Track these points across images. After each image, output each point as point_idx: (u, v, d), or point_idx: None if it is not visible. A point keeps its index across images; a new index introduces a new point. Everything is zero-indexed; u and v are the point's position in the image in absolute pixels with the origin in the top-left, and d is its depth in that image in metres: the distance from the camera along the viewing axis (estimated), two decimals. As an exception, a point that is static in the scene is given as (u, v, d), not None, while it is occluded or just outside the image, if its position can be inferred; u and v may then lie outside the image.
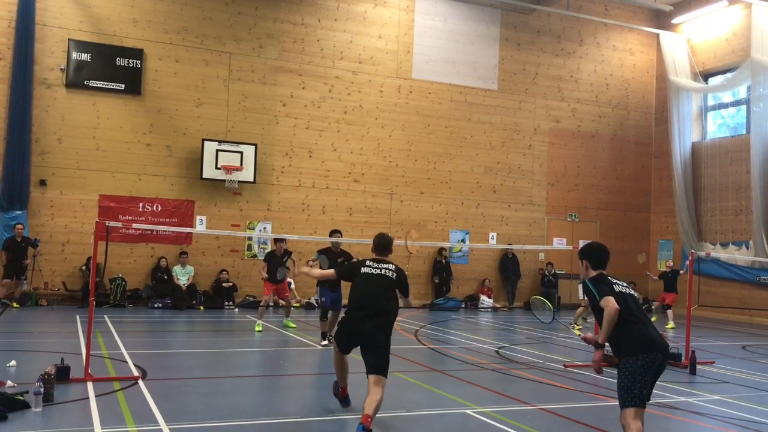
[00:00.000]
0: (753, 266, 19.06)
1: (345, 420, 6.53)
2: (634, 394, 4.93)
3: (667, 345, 5.14)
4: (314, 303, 18.10)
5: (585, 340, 5.47)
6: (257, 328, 12.83)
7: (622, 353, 5.06)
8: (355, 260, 7.39)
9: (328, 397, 7.43)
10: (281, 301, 14.08)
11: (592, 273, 5.34)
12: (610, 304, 4.95)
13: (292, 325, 13.71)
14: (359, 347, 6.33)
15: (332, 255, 11.37)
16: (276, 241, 13.94)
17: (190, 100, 17.85)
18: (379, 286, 6.46)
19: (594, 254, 5.44)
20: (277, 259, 13.53)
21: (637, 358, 4.96)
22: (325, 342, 11.30)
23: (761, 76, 18.95)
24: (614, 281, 5.23)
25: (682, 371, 9.96)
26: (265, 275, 13.45)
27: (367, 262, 6.81)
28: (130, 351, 9.79)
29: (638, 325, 5.04)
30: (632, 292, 5.29)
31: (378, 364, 6.11)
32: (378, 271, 6.58)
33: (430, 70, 20.27)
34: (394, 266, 6.76)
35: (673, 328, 16.02)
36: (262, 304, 13.73)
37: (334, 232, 12.16)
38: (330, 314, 11.49)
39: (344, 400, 6.90)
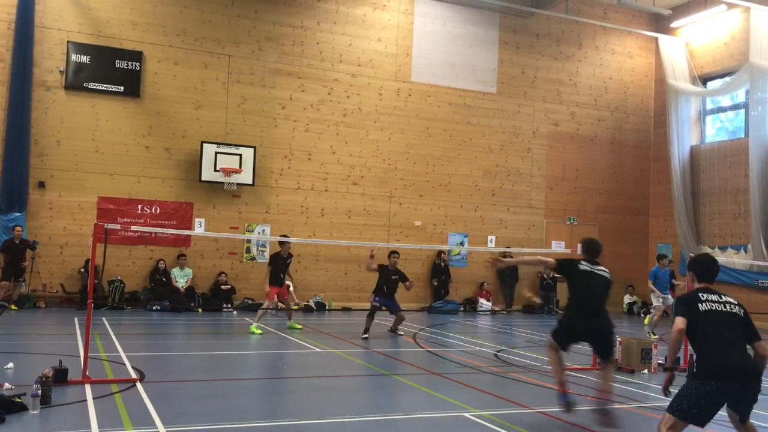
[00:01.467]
0: (751, 270, 19.05)
1: (344, 423, 6.52)
2: (682, 408, 4.90)
3: (752, 369, 4.81)
4: (312, 306, 18.10)
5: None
6: (257, 331, 12.76)
7: (695, 373, 4.99)
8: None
9: (327, 399, 7.43)
10: (280, 304, 14.03)
11: (696, 285, 5.29)
12: (675, 326, 5.02)
13: (298, 326, 13.71)
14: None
15: (387, 272, 13.32)
16: (281, 243, 13.89)
17: (189, 103, 17.86)
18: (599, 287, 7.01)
19: (698, 266, 5.41)
20: (282, 261, 13.51)
21: (701, 383, 4.85)
22: (366, 336, 12.57)
23: (759, 80, 18.98)
24: (707, 297, 5.06)
25: (680, 375, 9.94)
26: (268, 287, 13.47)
27: (582, 263, 7.16)
28: (128, 353, 9.77)
29: (706, 348, 4.91)
30: (731, 310, 5.05)
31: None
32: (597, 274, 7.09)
33: (429, 73, 20.29)
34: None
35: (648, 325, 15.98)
36: (265, 307, 13.70)
37: (393, 254, 13.57)
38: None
39: (566, 397, 6.76)
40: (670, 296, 14.86)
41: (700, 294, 5.10)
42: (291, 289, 17.93)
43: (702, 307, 4.99)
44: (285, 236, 15.29)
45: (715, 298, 5.07)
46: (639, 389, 8.77)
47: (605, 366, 7.08)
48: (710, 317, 4.95)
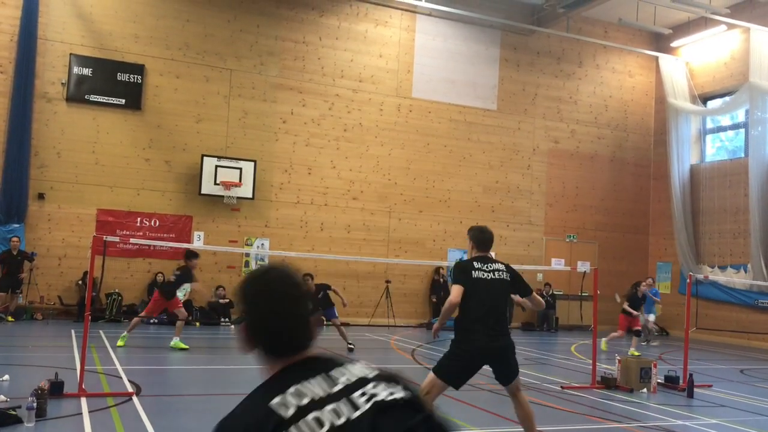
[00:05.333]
0: (751, 290, 19.01)
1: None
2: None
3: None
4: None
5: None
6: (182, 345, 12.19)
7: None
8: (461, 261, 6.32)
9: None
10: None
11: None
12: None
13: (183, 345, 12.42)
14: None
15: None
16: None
17: (190, 116, 17.89)
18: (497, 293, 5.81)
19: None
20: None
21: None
22: None
23: (759, 100, 19.04)
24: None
25: (679, 394, 9.91)
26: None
27: (476, 264, 5.90)
28: (124, 367, 9.72)
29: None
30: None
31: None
32: (491, 275, 5.82)
33: (430, 89, 20.35)
34: (504, 265, 5.99)
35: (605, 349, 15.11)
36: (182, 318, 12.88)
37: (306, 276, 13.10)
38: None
39: None
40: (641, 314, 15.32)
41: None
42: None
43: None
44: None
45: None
46: (638, 408, 8.72)
47: (515, 391, 5.96)
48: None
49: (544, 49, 21.80)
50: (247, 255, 18.25)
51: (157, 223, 17.46)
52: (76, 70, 16.88)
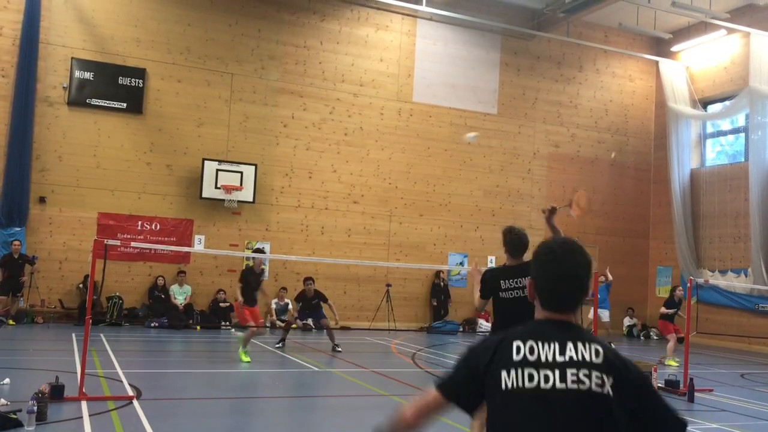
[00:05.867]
0: (752, 294, 19.01)
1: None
2: None
3: None
4: (311, 325, 18.00)
5: None
6: (245, 358, 11.48)
7: None
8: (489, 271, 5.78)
9: (324, 419, 7.39)
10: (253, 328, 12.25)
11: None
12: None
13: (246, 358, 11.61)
14: None
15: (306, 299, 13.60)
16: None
17: (191, 120, 17.92)
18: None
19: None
20: (255, 277, 12.06)
21: None
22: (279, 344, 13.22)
23: (759, 105, 19.06)
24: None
25: (680, 398, 9.90)
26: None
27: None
28: (125, 370, 9.73)
29: None
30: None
31: None
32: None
33: (431, 93, 20.38)
34: None
35: None
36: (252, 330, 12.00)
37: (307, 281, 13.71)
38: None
39: None
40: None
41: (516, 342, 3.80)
42: (290, 306, 17.93)
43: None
44: (260, 250, 13.57)
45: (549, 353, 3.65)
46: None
47: None
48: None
49: (544, 53, 21.84)
50: (248, 259, 18.24)
51: (158, 227, 17.48)
52: (77, 74, 16.91)
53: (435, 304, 19.72)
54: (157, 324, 16.33)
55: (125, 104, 17.29)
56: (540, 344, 2.10)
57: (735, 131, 21.25)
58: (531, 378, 2.03)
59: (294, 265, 18.31)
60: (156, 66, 17.66)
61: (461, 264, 20.33)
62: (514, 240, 5.56)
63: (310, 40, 19.15)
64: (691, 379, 10.06)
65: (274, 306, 17.71)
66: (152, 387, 8.79)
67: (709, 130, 21.98)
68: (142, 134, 17.50)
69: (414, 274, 19.68)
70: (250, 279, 11.91)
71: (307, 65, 19.10)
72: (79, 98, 16.91)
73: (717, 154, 21.91)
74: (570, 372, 2.02)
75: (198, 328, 16.77)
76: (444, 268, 19.79)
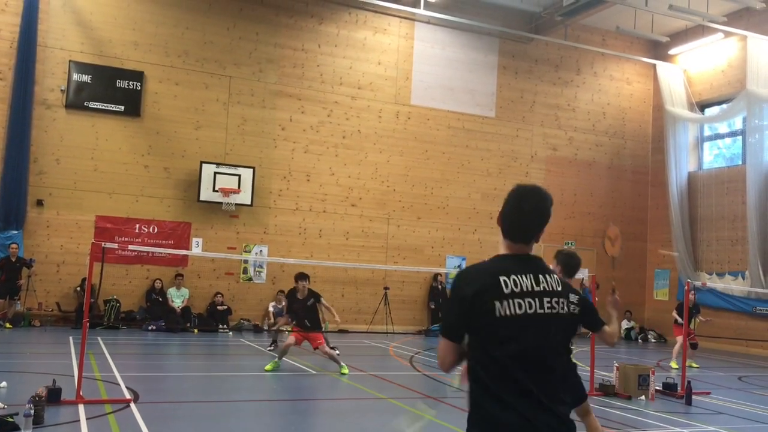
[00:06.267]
0: (749, 297, 19.03)
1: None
2: None
3: None
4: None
5: None
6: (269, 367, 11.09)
7: None
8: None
9: (321, 422, 7.38)
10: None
11: None
12: None
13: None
14: None
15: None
16: (297, 279, 11.40)
17: (189, 123, 17.92)
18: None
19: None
20: (301, 304, 11.20)
21: None
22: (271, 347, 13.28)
23: (756, 108, 19.10)
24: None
25: (677, 402, 9.91)
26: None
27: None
28: (122, 373, 9.71)
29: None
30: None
31: None
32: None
33: (429, 96, 20.40)
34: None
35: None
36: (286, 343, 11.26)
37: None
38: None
39: None
40: None
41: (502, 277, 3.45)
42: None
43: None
44: (304, 274, 11.52)
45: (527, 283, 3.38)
46: (637, 416, 8.72)
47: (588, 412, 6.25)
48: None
49: (542, 56, 21.87)
50: (246, 262, 18.24)
51: (156, 230, 17.46)
52: (75, 76, 16.91)
53: (433, 307, 19.72)
54: (154, 327, 16.31)
55: (123, 107, 17.29)
56: (520, 278, 2.68)
57: (732, 134, 21.29)
58: (520, 306, 2.64)
59: (292, 268, 18.20)
60: (154, 69, 17.66)
61: (459, 267, 20.32)
62: (576, 264, 5.98)
63: (308, 43, 19.17)
64: (689, 382, 10.07)
65: (272, 309, 17.70)
66: (150, 390, 8.77)
67: (707, 133, 22.02)
68: (139, 137, 17.49)
69: (412, 277, 19.68)
70: (294, 306, 11.28)
71: (305, 68, 19.11)
72: (76, 101, 16.90)
73: (714, 157, 21.95)
74: (545, 300, 2.69)
75: (195, 331, 16.74)
76: (442, 271, 19.78)
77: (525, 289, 2.66)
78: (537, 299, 2.68)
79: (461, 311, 2.64)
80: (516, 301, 2.63)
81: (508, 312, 2.62)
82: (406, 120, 20.12)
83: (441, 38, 20.56)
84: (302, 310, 11.15)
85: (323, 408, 8.55)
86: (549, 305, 2.69)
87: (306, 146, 18.99)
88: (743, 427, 8.46)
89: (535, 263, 2.77)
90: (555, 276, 2.79)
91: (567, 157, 22.09)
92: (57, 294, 16.57)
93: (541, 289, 2.69)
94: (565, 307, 2.77)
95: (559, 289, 2.76)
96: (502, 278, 2.65)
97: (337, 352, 11.62)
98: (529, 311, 2.64)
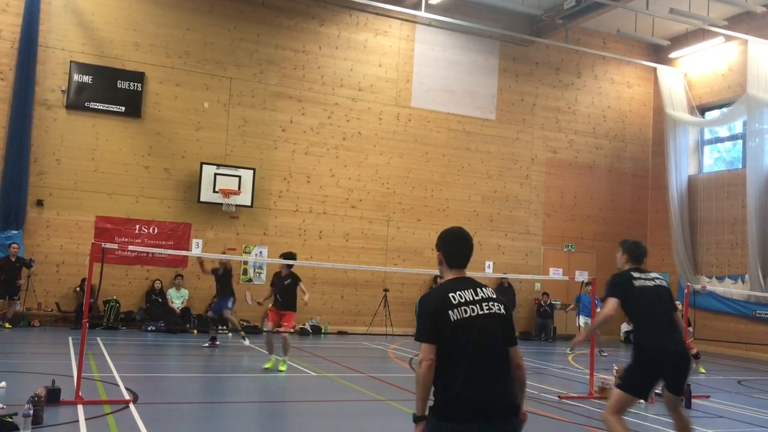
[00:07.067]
0: (749, 300, 19.02)
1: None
2: None
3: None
4: (308, 329, 18.01)
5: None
6: (282, 368, 11.15)
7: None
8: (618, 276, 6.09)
9: (320, 424, 7.37)
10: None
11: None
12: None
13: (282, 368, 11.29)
14: None
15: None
16: (282, 257, 11.82)
17: (189, 124, 17.93)
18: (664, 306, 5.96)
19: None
20: (280, 280, 11.62)
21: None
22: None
23: (757, 112, 19.11)
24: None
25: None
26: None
27: (635, 274, 6.00)
28: (121, 374, 9.70)
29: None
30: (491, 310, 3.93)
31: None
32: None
33: (429, 98, 20.42)
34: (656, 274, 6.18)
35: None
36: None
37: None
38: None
39: None
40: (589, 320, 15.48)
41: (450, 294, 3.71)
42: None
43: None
44: (290, 254, 11.94)
45: (469, 295, 3.74)
46: (636, 419, 8.71)
47: (677, 404, 6.14)
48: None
49: (542, 59, 21.89)
50: (246, 263, 18.23)
51: (156, 231, 17.46)
52: (76, 77, 16.92)
53: (432, 309, 19.67)
54: (154, 328, 16.31)
55: (124, 108, 17.29)
56: (463, 293, 3.63)
57: (732, 138, 21.30)
58: (466, 312, 3.56)
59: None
60: (155, 70, 17.67)
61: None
62: (642, 252, 6.28)
63: (308, 45, 19.18)
64: (689, 386, 10.04)
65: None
66: (149, 391, 8.77)
67: (707, 136, 22.03)
68: (140, 138, 17.50)
69: (411, 279, 19.68)
70: (275, 281, 11.77)
71: (306, 70, 19.13)
72: (77, 102, 16.91)
73: (714, 160, 21.96)
74: (484, 305, 3.62)
75: (195, 332, 16.74)
76: (442, 273, 19.72)
77: (467, 300, 3.60)
78: (477, 305, 3.61)
79: (430, 321, 3.54)
80: (462, 308, 3.57)
81: (458, 317, 3.54)
82: (406, 122, 20.13)
83: (442, 41, 20.58)
84: (278, 286, 11.53)
85: (322, 409, 8.54)
86: (487, 308, 3.62)
87: (306, 148, 19.00)
88: (743, 430, 8.46)
89: (472, 281, 3.73)
90: (488, 288, 3.73)
91: (567, 160, 22.11)
92: (56, 294, 16.57)
93: (479, 297, 3.63)
94: (501, 309, 3.69)
95: (494, 296, 3.70)
96: (450, 294, 3.59)
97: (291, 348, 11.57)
98: (473, 314, 3.57)
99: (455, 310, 3.54)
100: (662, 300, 5.86)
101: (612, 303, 5.80)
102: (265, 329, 12.88)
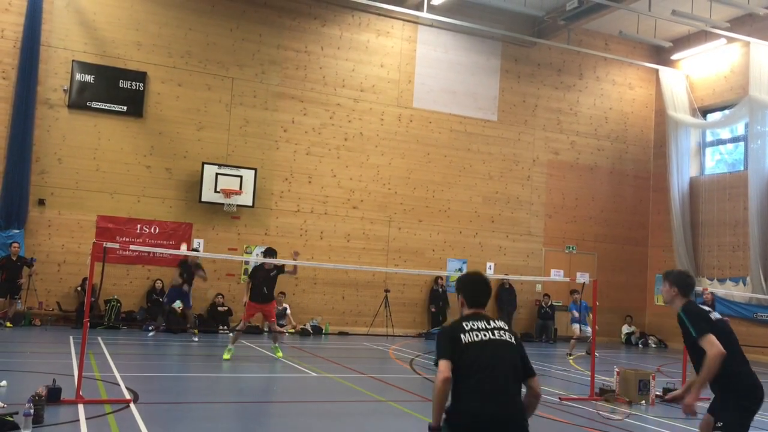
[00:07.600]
0: (750, 303, 19.00)
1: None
2: None
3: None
4: (309, 330, 18.00)
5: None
6: (226, 356, 11.93)
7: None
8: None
9: (321, 424, 7.36)
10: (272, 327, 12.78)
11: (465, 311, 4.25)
12: (439, 373, 3.90)
13: (279, 353, 12.66)
14: None
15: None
16: (265, 255, 12.37)
17: (191, 124, 17.94)
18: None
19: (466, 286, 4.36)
20: (264, 273, 12.25)
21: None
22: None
23: (759, 114, 19.10)
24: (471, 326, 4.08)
25: (678, 407, 9.87)
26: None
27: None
28: (122, 373, 9.70)
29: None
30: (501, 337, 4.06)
31: None
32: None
33: (431, 99, 20.42)
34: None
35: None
36: (239, 328, 12.60)
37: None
38: None
39: None
40: (587, 327, 15.88)
41: (464, 323, 4.04)
42: (288, 312, 17.89)
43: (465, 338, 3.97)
44: (272, 250, 12.68)
45: (482, 325, 4.04)
46: (637, 421, 8.71)
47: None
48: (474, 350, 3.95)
49: (544, 60, 21.89)
50: (247, 263, 18.22)
51: (157, 230, 17.47)
52: (78, 76, 16.93)
53: (433, 310, 19.71)
54: (154, 327, 16.29)
55: (125, 107, 17.31)
56: (476, 322, 4.05)
57: (734, 140, 21.29)
58: (477, 336, 3.96)
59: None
60: (157, 69, 17.68)
61: (460, 270, 20.31)
62: (692, 283, 5.71)
63: (310, 45, 19.19)
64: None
65: None
66: (149, 391, 8.77)
67: (709, 138, 22.02)
68: (142, 137, 17.51)
69: (413, 279, 19.67)
70: (258, 275, 12.38)
71: (308, 70, 19.13)
72: (79, 101, 16.92)
73: (716, 162, 21.95)
74: (496, 331, 4.00)
75: (196, 332, 16.72)
76: (443, 274, 19.77)
77: (479, 327, 4.00)
78: (489, 332, 3.99)
79: (447, 342, 3.95)
80: (474, 333, 3.98)
81: (469, 340, 3.95)
82: (408, 123, 20.13)
83: (444, 41, 20.58)
84: (264, 279, 12.14)
85: (323, 410, 8.53)
86: (499, 334, 3.99)
87: (308, 148, 19.00)
88: None
89: (485, 316, 4.12)
90: (500, 321, 4.13)
91: (569, 162, 22.10)
92: (58, 293, 16.58)
93: (492, 326, 4.02)
94: (512, 338, 4.04)
95: (505, 327, 4.08)
96: (464, 323, 4.04)
97: (286, 334, 12.03)
98: (484, 338, 3.95)
99: (467, 335, 3.96)
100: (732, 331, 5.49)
101: (712, 338, 5.17)
102: (265, 329, 13.13)
